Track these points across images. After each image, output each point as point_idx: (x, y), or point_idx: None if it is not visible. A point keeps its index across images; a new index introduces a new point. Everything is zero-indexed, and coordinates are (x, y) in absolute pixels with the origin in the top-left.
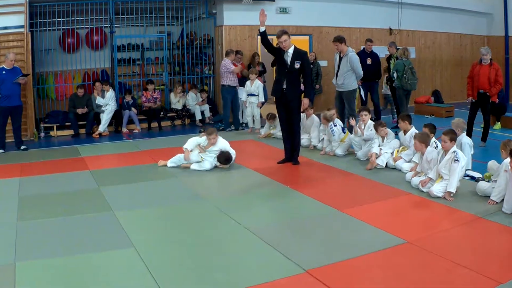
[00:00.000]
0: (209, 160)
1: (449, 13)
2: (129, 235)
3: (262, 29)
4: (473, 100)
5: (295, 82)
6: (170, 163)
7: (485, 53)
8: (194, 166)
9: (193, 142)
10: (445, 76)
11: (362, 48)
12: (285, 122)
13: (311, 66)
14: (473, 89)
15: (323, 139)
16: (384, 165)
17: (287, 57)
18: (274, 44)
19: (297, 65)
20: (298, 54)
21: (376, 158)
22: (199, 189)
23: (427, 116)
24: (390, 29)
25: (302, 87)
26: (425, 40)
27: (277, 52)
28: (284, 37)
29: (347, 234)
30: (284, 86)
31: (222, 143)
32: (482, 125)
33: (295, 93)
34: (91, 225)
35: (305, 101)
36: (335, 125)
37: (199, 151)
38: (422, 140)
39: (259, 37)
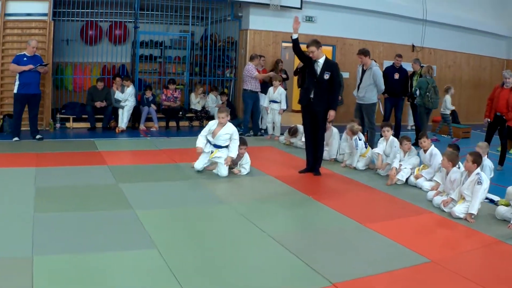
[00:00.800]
0: (222, 164)
1: (470, 34)
2: (151, 235)
3: (295, 36)
4: (489, 121)
5: (323, 93)
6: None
7: (508, 77)
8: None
9: (203, 132)
10: (463, 96)
11: (391, 63)
12: (309, 131)
13: None
14: (491, 111)
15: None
16: (404, 181)
17: (317, 67)
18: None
19: (326, 76)
20: (329, 65)
21: (396, 173)
22: (220, 193)
23: (444, 136)
24: (413, 45)
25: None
26: (446, 59)
27: (308, 61)
28: (312, 48)
29: (371, 249)
30: (312, 96)
31: (231, 127)
32: (499, 149)
33: (322, 104)
34: (111, 222)
35: (331, 113)
36: (359, 139)
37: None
38: (451, 158)
39: (283, 44)
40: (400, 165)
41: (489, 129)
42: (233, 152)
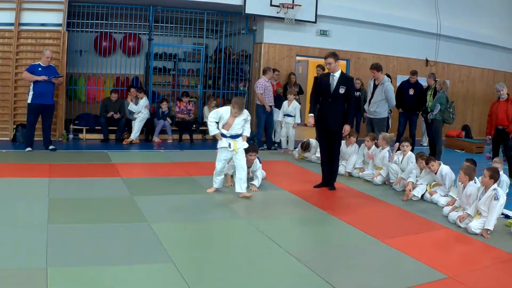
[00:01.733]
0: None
1: (484, 48)
2: (167, 249)
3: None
4: (491, 138)
5: (338, 107)
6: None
7: (500, 89)
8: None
9: (213, 119)
10: (476, 111)
11: (407, 78)
12: (325, 146)
13: (359, 93)
14: (492, 128)
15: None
16: (419, 197)
17: (333, 81)
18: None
19: (341, 90)
20: (344, 79)
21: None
22: (235, 207)
23: (458, 151)
24: (427, 60)
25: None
26: (460, 74)
27: (319, 80)
28: (330, 59)
29: (389, 265)
30: (327, 110)
31: (245, 112)
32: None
33: (337, 118)
34: (126, 235)
35: (346, 128)
36: (389, 151)
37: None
38: (468, 173)
39: (297, 57)
40: (417, 180)
41: (494, 144)
42: (247, 131)
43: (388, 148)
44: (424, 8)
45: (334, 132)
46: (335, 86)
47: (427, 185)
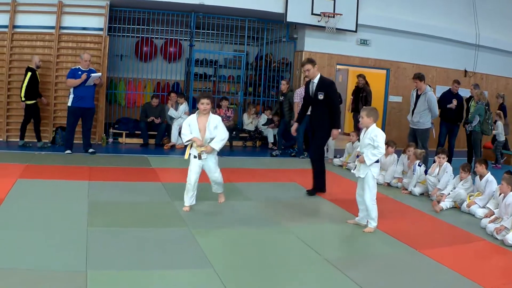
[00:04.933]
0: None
1: None
2: (207, 254)
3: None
4: None
5: (321, 113)
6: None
7: None
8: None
9: (185, 131)
10: None
11: (448, 89)
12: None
13: (364, 94)
14: None
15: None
16: (448, 206)
17: (312, 87)
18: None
19: (320, 96)
20: (323, 84)
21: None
22: (274, 214)
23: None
24: (466, 71)
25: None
26: (497, 85)
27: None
28: (307, 66)
29: (427, 275)
30: (313, 116)
31: (216, 117)
32: None
33: (320, 124)
34: (166, 240)
35: (335, 132)
36: (419, 165)
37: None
38: (511, 182)
39: (338, 66)
40: (450, 193)
41: None
42: (217, 144)
43: (417, 162)
44: (463, 18)
45: (316, 136)
46: (314, 92)
47: (467, 195)
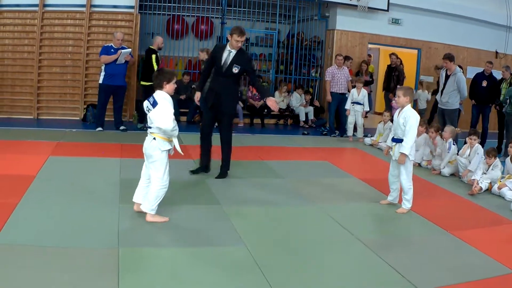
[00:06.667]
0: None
1: None
2: (239, 232)
3: None
4: None
5: (232, 87)
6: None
7: None
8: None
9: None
10: None
11: (481, 70)
12: (207, 131)
13: (397, 73)
14: None
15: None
16: (483, 188)
17: (228, 58)
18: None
19: (235, 70)
20: (241, 57)
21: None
22: (308, 193)
23: None
24: (497, 52)
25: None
26: None
27: (213, 58)
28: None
29: (457, 257)
30: (219, 89)
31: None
32: None
33: (229, 103)
34: (198, 217)
35: (273, 103)
36: (454, 144)
37: None
38: None
39: (370, 45)
40: (481, 176)
41: None
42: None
43: (450, 139)
44: None
45: (224, 119)
46: (228, 65)
47: (489, 183)
